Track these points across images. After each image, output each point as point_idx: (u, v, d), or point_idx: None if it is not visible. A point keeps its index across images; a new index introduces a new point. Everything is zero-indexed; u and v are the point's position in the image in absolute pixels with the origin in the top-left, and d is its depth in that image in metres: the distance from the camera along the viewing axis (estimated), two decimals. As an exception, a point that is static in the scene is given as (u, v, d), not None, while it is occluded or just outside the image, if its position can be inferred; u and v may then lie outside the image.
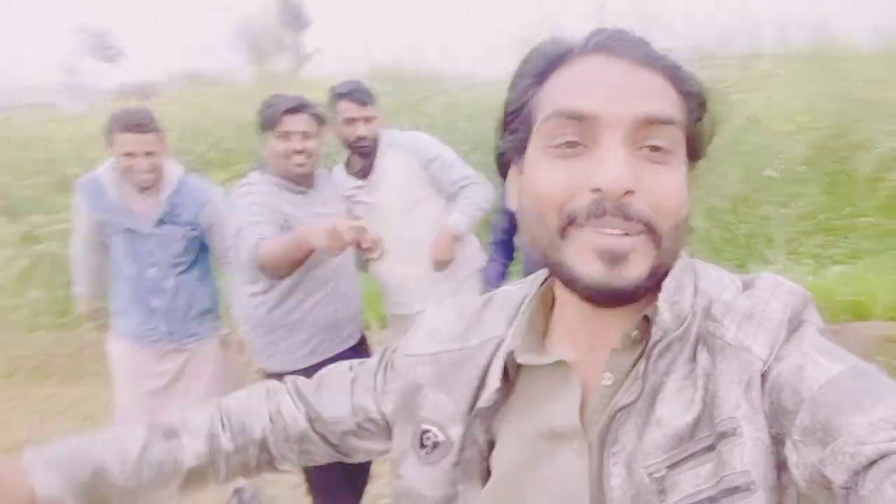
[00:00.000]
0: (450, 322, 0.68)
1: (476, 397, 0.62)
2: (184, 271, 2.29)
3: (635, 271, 0.52)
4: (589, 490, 0.55)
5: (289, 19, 40.39)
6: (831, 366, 0.49)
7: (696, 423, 0.52)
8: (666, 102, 0.54)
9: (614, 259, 0.52)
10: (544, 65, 0.57)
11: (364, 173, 2.28)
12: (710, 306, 0.56)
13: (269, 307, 1.99)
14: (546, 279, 0.65)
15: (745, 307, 0.54)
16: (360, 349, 2.16)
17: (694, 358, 0.54)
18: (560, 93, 0.55)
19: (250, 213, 1.88)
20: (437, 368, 0.65)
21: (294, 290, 1.98)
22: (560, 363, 0.59)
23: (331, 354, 2.01)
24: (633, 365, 0.56)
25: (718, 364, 0.53)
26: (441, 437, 0.62)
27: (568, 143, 0.53)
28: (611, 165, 0.51)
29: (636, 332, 0.56)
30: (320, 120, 2.04)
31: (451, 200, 2.30)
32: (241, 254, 1.83)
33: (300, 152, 1.96)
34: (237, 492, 2.62)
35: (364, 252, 2.29)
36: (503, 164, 0.63)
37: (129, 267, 2.27)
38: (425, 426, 0.64)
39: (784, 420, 0.49)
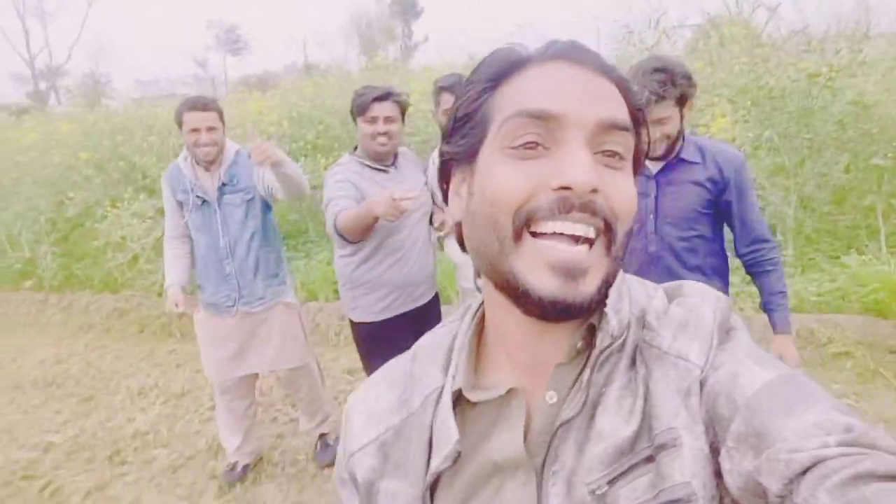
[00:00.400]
0: (381, 396, 0.63)
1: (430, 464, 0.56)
2: (250, 238, 2.57)
3: (592, 285, 0.51)
4: None
5: (400, 9, 41.28)
6: (764, 372, 0.49)
7: (636, 435, 0.50)
8: (622, 109, 0.54)
9: (572, 273, 0.50)
10: (500, 70, 0.56)
11: None
12: (644, 315, 0.56)
13: (352, 268, 2.32)
14: (478, 310, 0.62)
15: (680, 315, 0.54)
16: (430, 308, 2.45)
17: (633, 367, 0.53)
18: (523, 94, 0.54)
19: (335, 189, 2.21)
20: (382, 453, 0.59)
21: (373, 255, 2.30)
22: (510, 391, 0.56)
23: (402, 311, 2.35)
24: (576, 379, 0.55)
25: (655, 373, 0.52)
26: None
27: (527, 143, 0.52)
28: (580, 163, 0.50)
29: (581, 342, 0.55)
30: (403, 107, 2.32)
31: None
32: (328, 223, 2.17)
33: (383, 134, 2.26)
34: (322, 437, 2.94)
35: (435, 230, 2.52)
36: (446, 172, 0.61)
37: (204, 239, 2.57)
38: None
39: (719, 428, 0.48)
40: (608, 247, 0.52)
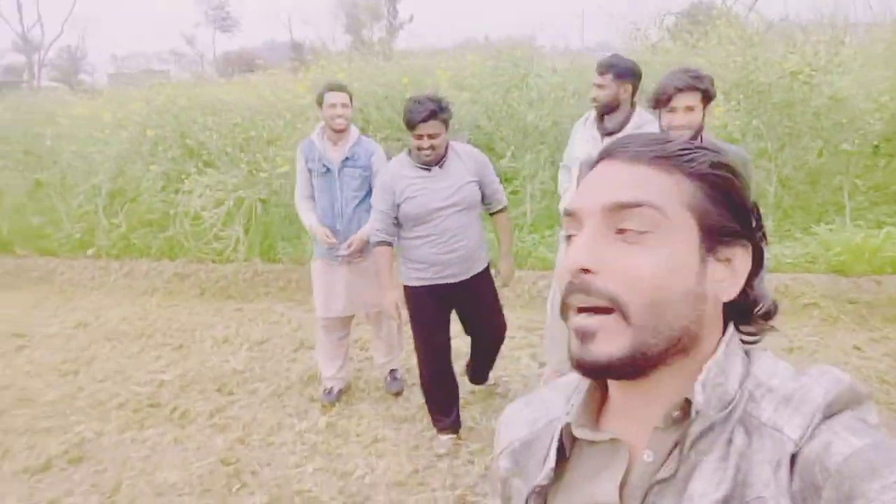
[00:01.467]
0: (520, 411, 0.73)
1: None
2: (358, 204, 3.26)
3: (605, 348, 0.56)
4: None
5: (386, -14, 41.13)
6: (855, 440, 0.51)
7: (726, 500, 0.53)
8: (638, 189, 0.57)
9: (584, 336, 0.57)
10: (581, 172, 0.66)
11: (603, 133, 2.95)
12: (755, 390, 0.57)
13: (398, 242, 2.92)
14: None
15: (787, 390, 0.56)
16: (471, 285, 2.90)
17: (731, 439, 0.55)
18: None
19: (375, 196, 2.89)
20: (514, 457, 0.70)
21: (409, 236, 2.84)
22: (612, 440, 0.61)
23: (434, 283, 2.83)
24: (675, 444, 0.57)
25: (754, 443, 0.54)
26: None
27: (569, 236, 0.61)
28: (572, 248, 0.58)
29: (677, 412, 0.58)
30: (447, 121, 2.73)
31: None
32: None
33: (427, 147, 2.70)
34: (392, 371, 3.63)
35: None
36: None
37: (324, 200, 3.28)
38: None
39: (812, 497, 0.51)
40: (625, 318, 0.56)
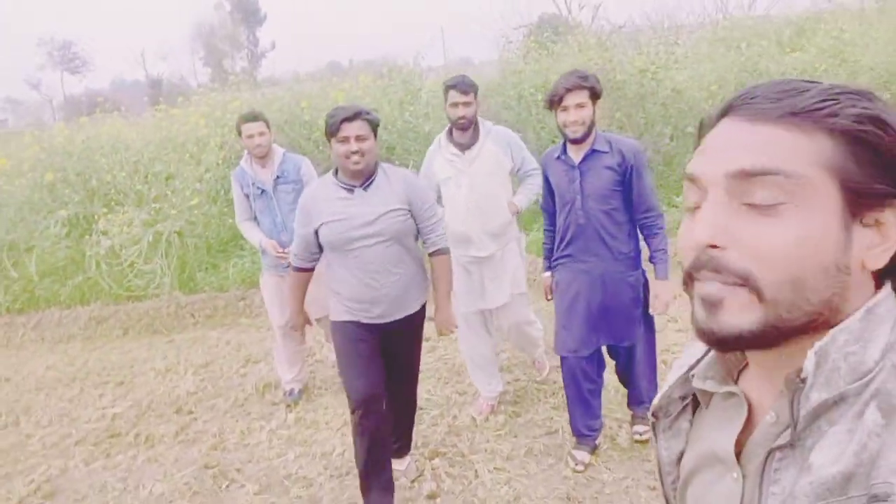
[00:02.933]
0: (685, 355, 0.73)
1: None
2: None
3: (732, 320, 0.54)
4: None
5: (243, 16, 40.43)
6: None
7: (849, 479, 0.50)
8: (768, 153, 0.53)
9: (709, 305, 0.55)
10: (703, 129, 0.62)
11: (462, 147, 3.12)
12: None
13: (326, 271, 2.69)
14: None
15: None
16: (403, 329, 2.61)
17: (862, 413, 0.52)
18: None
19: (297, 211, 2.61)
20: (662, 399, 0.72)
21: (335, 267, 2.57)
22: (732, 394, 0.62)
23: (360, 321, 2.53)
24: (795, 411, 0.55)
25: (892, 425, 0.51)
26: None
27: (695, 203, 0.58)
28: (698, 221, 0.54)
29: (799, 381, 0.55)
30: (373, 124, 2.47)
31: (521, 180, 3.23)
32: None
33: (356, 152, 2.39)
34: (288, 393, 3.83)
35: None
36: None
37: (266, 219, 3.57)
38: None
39: None
40: (758, 294, 0.53)
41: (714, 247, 0.54)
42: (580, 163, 2.59)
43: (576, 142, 2.57)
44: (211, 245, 5.85)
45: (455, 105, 3.07)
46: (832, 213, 0.53)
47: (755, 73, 6.13)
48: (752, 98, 0.56)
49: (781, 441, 0.55)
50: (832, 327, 0.54)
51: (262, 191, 3.53)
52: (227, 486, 3.04)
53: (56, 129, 6.50)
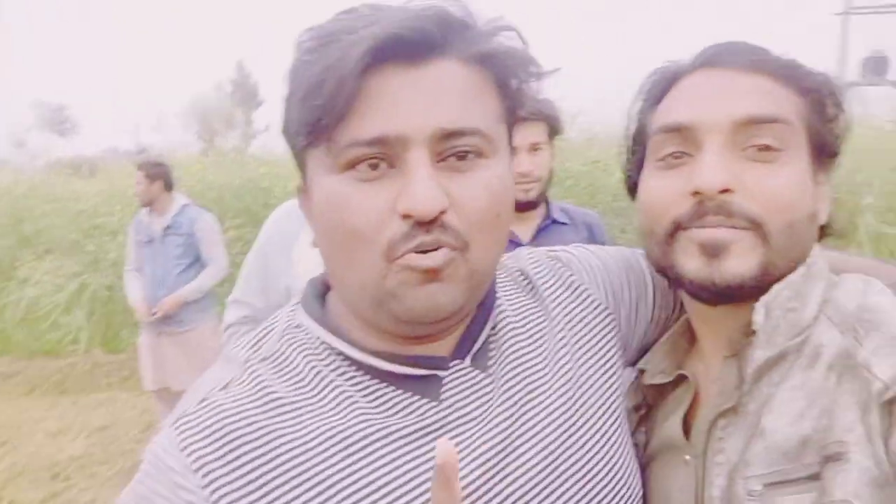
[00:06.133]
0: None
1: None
2: (182, 271, 3.22)
3: (738, 265, 0.53)
4: (694, 501, 0.56)
5: (242, 97, 41.78)
6: None
7: (804, 443, 0.49)
8: (768, 102, 0.54)
9: (714, 251, 0.53)
10: (658, 88, 0.61)
11: None
12: (856, 319, 0.52)
13: None
14: None
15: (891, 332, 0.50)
16: None
17: (813, 370, 0.51)
18: (664, 111, 0.59)
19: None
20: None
21: None
22: (681, 377, 0.61)
23: None
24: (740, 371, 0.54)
25: (845, 384, 0.50)
26: None
27: (673, 153, 0.56)
28: (706, 166, 0.53)
29: (742, 338, 0.55)
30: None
31: None
32: None
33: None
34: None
35: None
36: (632, 187, 0.65)
37: (148, 269, 3.29)
38: None
39: None
40: (763, 238, 0.53)
41: (726, 191, 0.53)
42: (531, 242, 1.71)
43: (525, 207, 1.70)
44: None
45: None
46: (808, 164, 0.56)
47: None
48: (729, 51, 0.58)
49: (725, 405, 0.54)
50: None
51: (150, 239, 3.30)
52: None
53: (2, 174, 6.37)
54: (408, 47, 0.47)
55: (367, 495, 0.49)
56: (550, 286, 0.65)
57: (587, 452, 0.55)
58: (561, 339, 0.61)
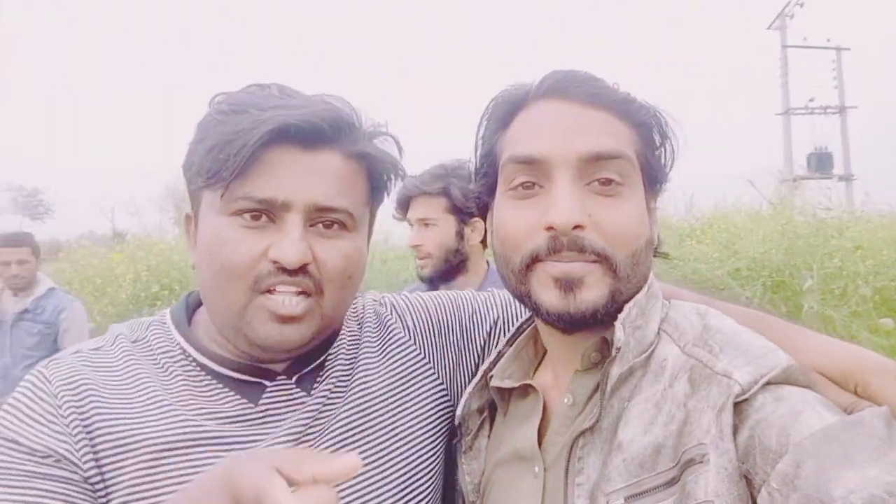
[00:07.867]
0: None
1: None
2: (31, 364, 2.70)
3: (591, 296, 0.56)
4: None
5: (218, 183, 42.04)
6: (829, 416, 0.48)
7: (658, 450, 0.51)
8: (611, 138, 0.58)
9: (569, 284, 0.56)
10: (504, 112, 0.64)
11: None
12: (708, 337, 0.56)
13: None
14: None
15: (749, 346, 0.54)
16: None
17: (658, 381, 0.55)
18: (514, 139, 0.61)
19: None
20: (467, 402, 0.73)
21: None
22: (532, 388, 0.63)
23: None
24: (596, 388, 0.57)
25: (700, 391, 0.52)
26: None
27: (524, 184, 0.59)
28: (560, 203, 0.56)
29: (595, 353, 0.59)
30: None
31: None
32: None
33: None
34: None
35: None
36: (482, 207, 0.69)
37: None
38: None
39: (761, 459, 0.47)
40: (611, 269, 0.57)
41: (578, 227, 0.56)
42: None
43: (448, 276, 1.66)
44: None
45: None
46: (643, 194, 0.61)
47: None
48: (572, 82, 0.60)
49: (586, 423, 0.55)
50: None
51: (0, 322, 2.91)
52: None
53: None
54: (303, 135, 0.61)
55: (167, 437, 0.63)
56: (377, 326, 0.81)
57: (386, 458, 0.71)
58: (384, 370, 0.77)
